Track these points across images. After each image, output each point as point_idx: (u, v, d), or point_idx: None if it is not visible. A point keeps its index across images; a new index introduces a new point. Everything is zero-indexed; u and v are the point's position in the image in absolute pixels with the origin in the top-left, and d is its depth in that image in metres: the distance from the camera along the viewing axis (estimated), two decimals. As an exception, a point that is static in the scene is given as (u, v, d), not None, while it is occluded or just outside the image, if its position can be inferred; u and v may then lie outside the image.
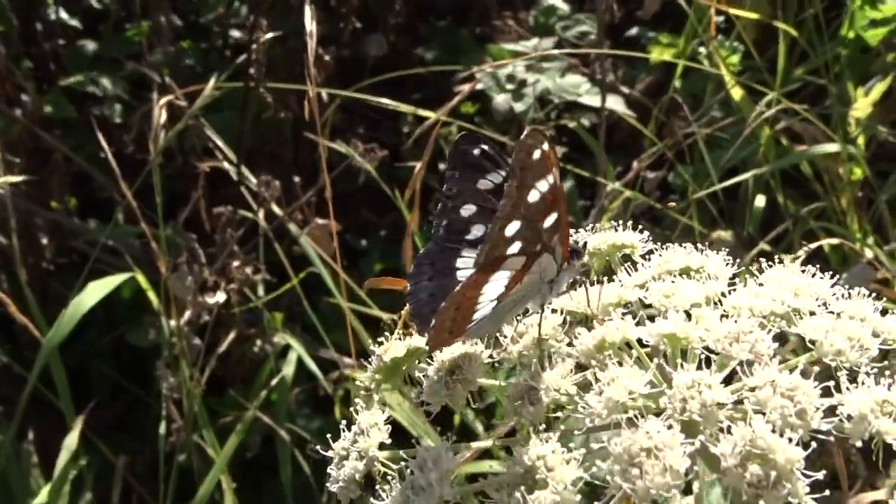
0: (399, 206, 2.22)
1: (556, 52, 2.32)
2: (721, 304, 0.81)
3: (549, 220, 0.77)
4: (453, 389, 0.80)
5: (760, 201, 2.13)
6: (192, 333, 1.84)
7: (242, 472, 2.16)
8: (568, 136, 2.79)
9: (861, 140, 2.03)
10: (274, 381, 2.13)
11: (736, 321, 0.77)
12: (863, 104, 2.10)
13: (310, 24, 1.58)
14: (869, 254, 1.86)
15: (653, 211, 2.17)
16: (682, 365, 0.73)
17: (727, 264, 0.88)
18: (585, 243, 0.86)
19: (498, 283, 0.79)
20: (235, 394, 2.19)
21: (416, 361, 0.86)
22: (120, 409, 2.46)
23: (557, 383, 0.76)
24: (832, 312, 0.80)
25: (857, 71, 2.17)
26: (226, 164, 1.92)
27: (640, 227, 2.06)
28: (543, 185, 0.76)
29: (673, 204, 1.77)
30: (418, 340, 0.86)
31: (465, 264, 0.85)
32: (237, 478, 1.98)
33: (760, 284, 0.85)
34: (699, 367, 0.74)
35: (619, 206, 2.02)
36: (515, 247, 0.77)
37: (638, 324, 0.80)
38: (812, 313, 0.80)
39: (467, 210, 0.86)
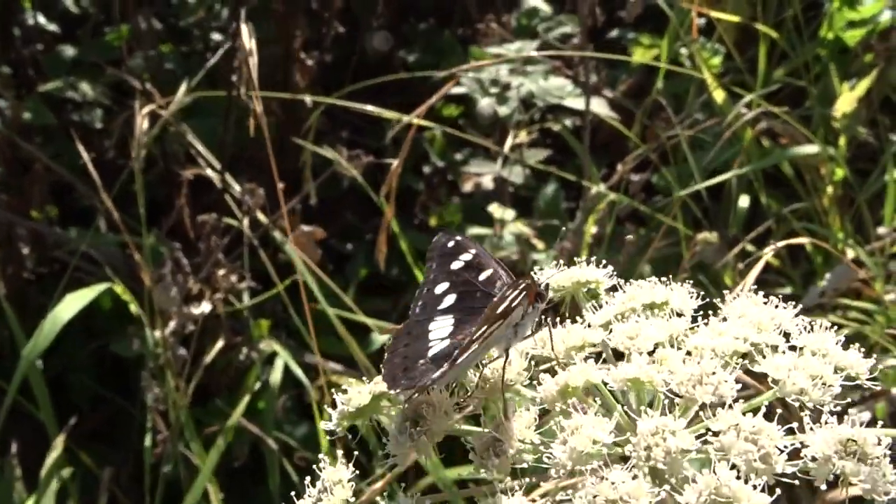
0: (383, 210, 2.21)
1: (537, 54, 2.32)
2: (684, 344, 0.81)
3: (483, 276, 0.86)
4: (418, 441, 0.80)
5: (744, 202, 2.14)
6: (177, 344, 1.82)
7: (229, 481, 2.14)
8: (551, 138, 2.80)
9: (842, 141, 2.05)
10: (260, 388, 2.11)
11: (699, 362, 0.77)
12: (847, 99, 2.11)
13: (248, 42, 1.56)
14: (850, 253, 1.88)
15: (637, 213, 2.18)
16: (645, 411, 0.73)
17: (691, 296, 0.88)
18: (548, 285, 0.88)
19: (471, 351, 0.81)
20: (221, 403, 2.18)
21: (381, 406, 0.86)
22: (101, 419, 2.44)
23: (522, 433, 0.76)
24: (794, 348, 0.80)
25: (836, 72, 2.19)
26: (208, 171, 1.91)
27: (625, 229, 2.05)
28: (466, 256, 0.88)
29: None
30: (383, 386, 0.86)
31: (437, 326, 0.89)
32: (224, 487, 1.97)
33: (724, 319, 0.85)
34: (664, 412, 0.74)
35: (605, 208, 2.02)
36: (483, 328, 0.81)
37: (604, 362, 0.80)
38: (775, 348, 0.80)
39: (440, 287, 0.93)
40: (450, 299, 0.91)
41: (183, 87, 1.73)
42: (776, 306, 0.84)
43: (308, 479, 0.84)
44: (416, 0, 3.33)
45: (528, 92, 2.23)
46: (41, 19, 2.83)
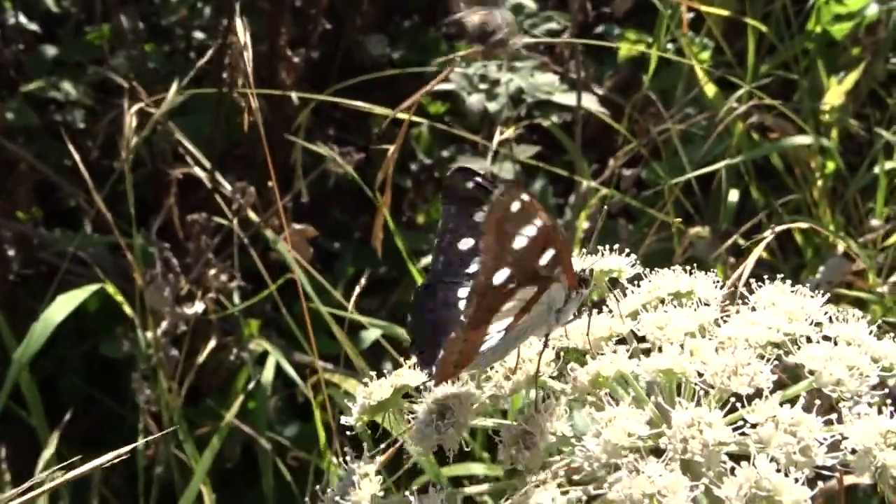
0: (374, 208, 2.19)
1: (524, 42, 2.31)
2: (715, 334, 0.80)
3: (546, 258, 0.76)
4: (445, 434, 0.78)
5: (734, 196, 2.15)
6: (169, 344, 1.80)
7: (222, 482, 2.13)
8: (538, 133, 2.79)
9: (834, 133, 2.06)
10: (252, 388, 2.10)
11: (733, 352, 0.76)
12: (836, 92, 2.13)
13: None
14: (842, 246, 1.89)
15: (628, 208, 2.18)
16: (680, 402, 0.72)
17: (716, 285, 0.87)
18: (592, 270, 0.84)
19: (503, 320, 0.77)
20: (212, 403, 2.16)
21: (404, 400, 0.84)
22: (92, 421, 2.41)
23: (553, 426, 0.75)
24: (827, 338, 0.80)
25: (825, 65, 2.20)
26: (197, 170, 1.89)
27: (617, 223, 2.05)
28: (531, 230, 0.73)
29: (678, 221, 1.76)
30: (406, 378, 0.83)
31: (465, 294, 0.83)
32: (217, 489, 1.95)
33: (753, 308, 0.84)
34: (697, 403, 0.73)
35: (596, 203, 2.02)
36: (511, 287, 0.76)
37: (631, 356, 0.79)
38: (809, 339, 0.79)
39: (465, 244, 0.84)
40: (477, 263, 0.82)
41: (174, 87, 1.71)
42: (804, 295, 0.84)
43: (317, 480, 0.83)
44: (402, -3, 3.32)
45: (518, 88, 2.22)
46: (22, 19, 2.79)
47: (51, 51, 2.73)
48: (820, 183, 2.00)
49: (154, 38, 3.03)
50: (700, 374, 0.75)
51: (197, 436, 1.98)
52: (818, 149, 2.00)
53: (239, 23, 1.31)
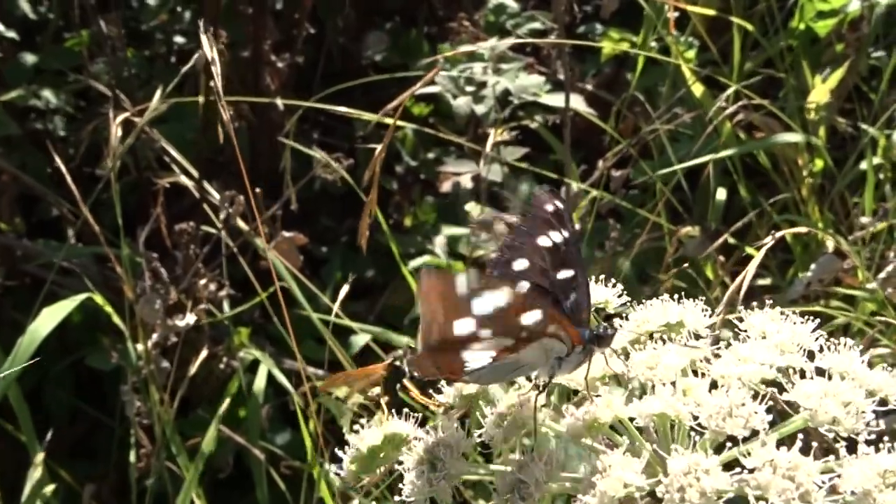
0: (360, 212, 2.18)
1: (507, 42, 2.30)
2: (708, 370, 0.79)
3: (530, 319, 0.74)
4: (437, 486, 0.77)
5: (721, 194, 2.15)
6: (160, 356, 1.78)
7: (215, 492, 2.11)
8: (523, 134, 2.79)
9: (822, 131, 2.07)
10: (243, 396, 2.08)
11: (727, 393, 0.74)
12: (821, 91, 2.14)
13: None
14: (830, 243, 1.90)
15: (618, 208, 2.18)
16: (676, 449, 0.71)
17: (704, 313, 0.86)
18: (615, 331, 0.80)
19: (480, 352, 0.76)
20: (203, 413, 2.14)
21: (395, 450, 0.83)
22: (80, 433, 2.39)
23: (548, 475, 0.73)
24: (821, 370, 0.79)
25: (809, 62, 2.21)
26: (183, 179, 1.87)
27: (607, 225, 2.04)
28: (499, 300, 0.71)
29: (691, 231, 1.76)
30: (396, 426, 0.83)
31: None
32: (210, 499, 1.93)
33: (744, 339, 0.83)
34: (692, 447, 0.72)
35: (586, 205, 2.02)
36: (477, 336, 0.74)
37: (629, 395, 0.78)
38: (802, 373, 0.78)
39: (520, 265, 0.84)
40: (523, 287, 0.81)
41: (158, 94, 1.69)
42: (794, 322, 0.83)
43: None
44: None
45: (504, 90, 2.22)
46: (0, 27, 2.75)
47: (30, 58, 2.69)
48: (808, 180, 2.01)
49: (134, 43, 3.00)
50: (694, 417, 0.73)
51: (189, 447, 1.96)
52: (805, 146, 2.01)
53: (204, 38, 1.29)
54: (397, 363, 0.85)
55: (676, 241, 1.88)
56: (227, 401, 2.13)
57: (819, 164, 2.06)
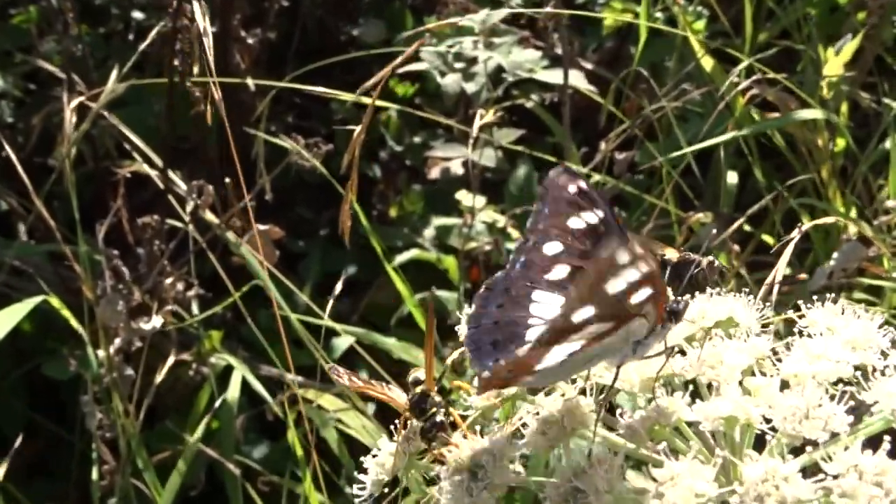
0: (340, 201, 2.17)
1: (499, 14, 2.29)
2: (775, 369, 0.79)
3: (639, 297, 0.74)
4: (478, 498, 0.76)
5: (733, 177, 2.16)
6: (123, 363, 1.78)
7: (185, 511, 2.11)
8: (519, 114, 2.80)
9: (844, 108, 2.08)
10: (216, 406, 2.08)
11: (802, 392, 0.74)
12: (834, 63, 2.15)
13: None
14: (853, 230, 1.91)
15: (623, 194, 2.19)
16: (749, 455, 0.71)
17: (753, 307, 0.86)
18: (687, 303, 0.81)
19: (570, 344, 0.75)
20: (171, 425, 2.14)
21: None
22: (36, 450, 2.38)
23: (609, 483, 0.72)
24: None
25: (827, 31, 2.22)
26: (146, 168, 1.86)
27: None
28: (633, 276, 0.72)
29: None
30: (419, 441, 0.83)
31: (543, 299, 0.82)
32: (181, 519, 1.94)
33: (808, 335, 0.83)
34: (761, 450, 0.72)
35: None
36: (588, 321, 0.74)
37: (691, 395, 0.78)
38: (882, 372, 0.78)
39: (552, 248, 0.83)
40: (561, 270, 0.82)
41: (114, 75, 1.68)
42: (858, 316, 0.83)
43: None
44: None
45: (497, 66, 2.22)
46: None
47: (-27, 38, 2.67)
48: (828, 161, 2.02)
49: (88, 19, 2.98)
50: (766, 419, 0.73)
51: (157, 462, 1.95)
52: (825, 124, 2.02)
53: (196, 6, 1.28)
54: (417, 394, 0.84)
55: (686, 228, 1.89)
56: (197, 411, 2.13)
57: (840, 143, 2.07)
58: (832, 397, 0.75)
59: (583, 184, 0.84)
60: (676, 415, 0.75)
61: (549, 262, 0.83)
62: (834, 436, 0.72)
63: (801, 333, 0.84)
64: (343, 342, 2.33)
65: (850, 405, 0.74)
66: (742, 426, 0.75)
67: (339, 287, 1.61)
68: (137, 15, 3.06)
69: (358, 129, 1.70)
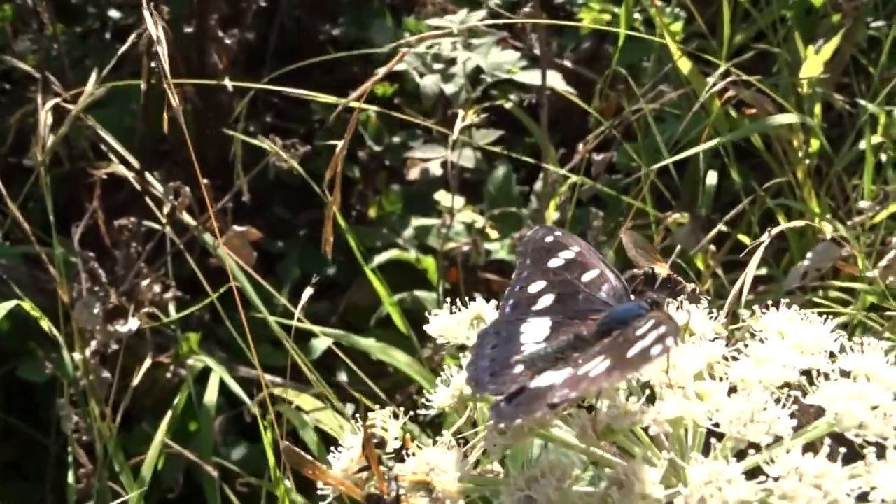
0: (320, 202, 2.17)
1: (478, 15, 2.30)
2: (724, 374, 0.81)
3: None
4: None
5: (712, 178, 2.18)
6: (99, 366, 1.77)
7: (163, 514, 2.11)
8: (497, 114, 2.80)
9: (818, 109, 2.10)
10: (192, 408, 2.07)
11: (748, 397, 0.76)
12: (813, 63, 2.17)
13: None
14: (828, 229, 1.93)
15: (600, 194, 2.20)
16: (695, 458, 0.72)
17: (709, 316, 0.89)
18: (665, 298, 0.88)
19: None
20: (148, 427, 2.13)
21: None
22: (11, 453, 2.36)
23: (562, 495, 0.74)
24: (845, 372, 0.80)
25: (803, 33, 2.24)
26: (122, 169, 1.85)
27: (589, 212, 2.04)
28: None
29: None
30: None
31: (530, 329, 0.89)
32: (158, 522, 1.93)
33: (760, 340, 0.84)
34: (708, 452, 0.73)
35: (566, 191, 2.04)
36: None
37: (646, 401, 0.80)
38: (826, 376, 0.80)
39: (536, 287, 0.93)
40: (546, 300, 0.92)
41: (93, 77, 1.67)
42: (811, 321, 0.85)
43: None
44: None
45: (476, 67, 2.23)
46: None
47: (-54, 37, 2.65)
48: (804, 162, 2.04)
49: (64, 18, 2.96)
50: (715, 425, 0.75)
51: (133, 465, 1.95)
52: (800, 125, 2.04)
53: (148, 15, 1.28)
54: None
55: (664, 228, 1.91)
56: (175, 413, 2.12)
57: (815, 144, 2.10)
58: (777, 401, 0.76)
59: (559, 233, 0.96)
60: (629, 418, 0.77)
61: (534, 297, 0.93)
62: (778, 439, 0.73)
63: (753, 337, 0.86)
64: (321, 343, 2.33)
65: (794, 409, 0.76)
66: (694, 430, 0.77)
67: (309, 290, 1.61)
68: (114, 14, 3.04)
69: (340, 145, 1.71)
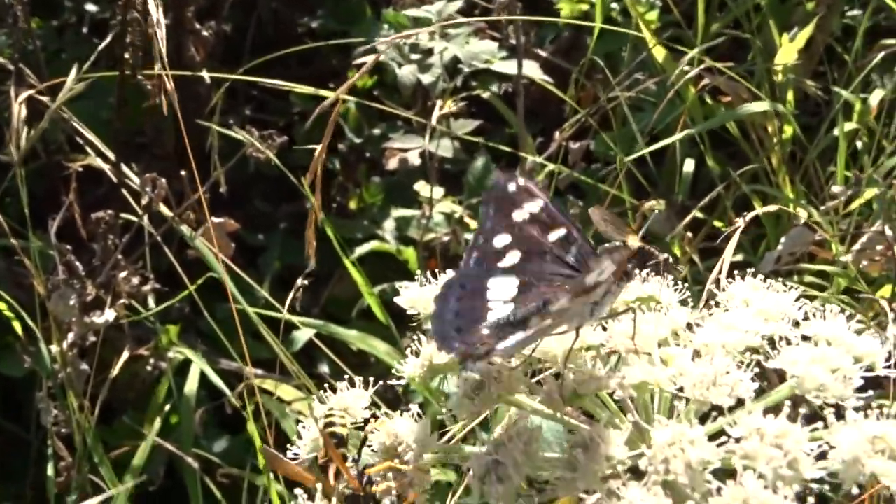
0: (300, 195, 2.17)
1: (455, 5, 2.31)
2: (689, 340, 0.82)
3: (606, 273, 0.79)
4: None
5: (689, 165, 2.20)
6: (77, 358, 1.77)
7: (144, 507, 2.10)
8: (475, 105, 2.81)
9: (790, 96, 2.12)
10: (173, 400, 2.08)
11: (711, 361, 0.77)
12: (788, 50, 2.18)
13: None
14: (803, 214, 1.95)
15: (577, 183, 2.21)
16: (659, 420, 0.73)
17: (674, 290, 0.90)
18: (634, 267, 0.86)
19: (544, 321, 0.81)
20: (129, 420, 2.13)
21: None
22: (-8, 448, 2.36)
23: (528, 455, 0.75)
24: (807, 337, 0.82)
25: (778, 21, 2.26)
26: (99, 161, 1.85)
27: (566, 200, 2.06)
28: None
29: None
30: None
31: (497, 286, 0.88)
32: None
33: (726, 309, 0.86)
34: (672, 416, 0.74)
35: (544, 180, 2.05)
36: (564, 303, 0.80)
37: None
38: (788, 341, 0.81)
39: (501, 240, 0.91)
40: (513, 257, 0.90)
41: (73, 72, 1.67)
42: (777, 290, 0.86)
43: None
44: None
45: (453, 57, 2.23)
46: None
47: (-81, 31, 2.63)
48: (778, 149, 2.06)
49: (39, 11, 2.94)
50: (679, 389, 0.76)
51: (114, 458, 1.95)
52: (774, 112, 2.05)
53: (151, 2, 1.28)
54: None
55: (640, 216, 1.92)
56: (155, 405, 2.12)
57: (789, 130, 2.12)
58: (740, 365, 0.78)
59: (521, 181, 0.93)
60: (594, 382, 0.78)
61: (500, 252, 0.91)
62: (741, 402, 0.75)
63: (718, 306, 0.88)
64: (303, 335, 2.33)
65: (755, 373, 0.77)
66: (660, 395, 0.78)
67: (299, 282, 1.62)
68: (91, 7, 3.03)
69: (318, 148, 1.72)
